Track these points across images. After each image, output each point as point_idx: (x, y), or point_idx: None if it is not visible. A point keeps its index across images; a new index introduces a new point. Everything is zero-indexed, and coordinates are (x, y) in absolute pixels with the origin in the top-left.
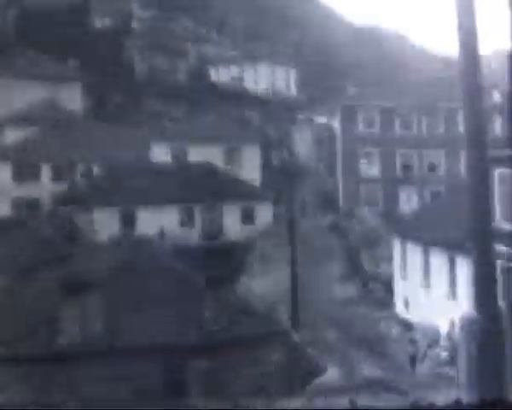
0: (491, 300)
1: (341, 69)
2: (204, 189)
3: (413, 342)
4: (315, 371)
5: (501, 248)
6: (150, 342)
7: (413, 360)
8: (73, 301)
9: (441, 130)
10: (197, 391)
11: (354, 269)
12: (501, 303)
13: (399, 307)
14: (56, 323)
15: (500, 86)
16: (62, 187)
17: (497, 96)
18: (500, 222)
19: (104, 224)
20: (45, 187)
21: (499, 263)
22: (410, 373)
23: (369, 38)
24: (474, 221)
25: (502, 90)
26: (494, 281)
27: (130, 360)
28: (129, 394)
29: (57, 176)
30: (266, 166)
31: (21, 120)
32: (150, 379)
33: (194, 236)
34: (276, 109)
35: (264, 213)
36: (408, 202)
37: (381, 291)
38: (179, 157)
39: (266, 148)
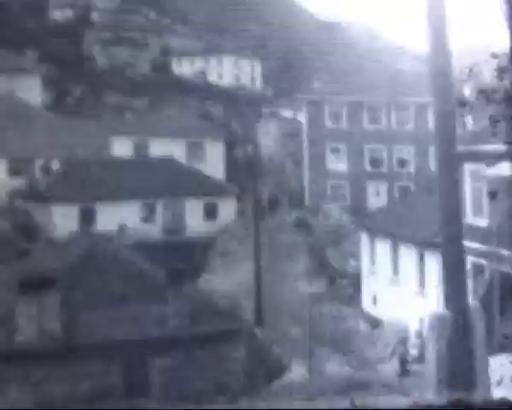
0: (460, 296)
1: (308, 63)
2: (166, 184)
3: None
4: (279, 368)
5: (471, 244)
6: (110, 339)
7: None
8: (31, 298)
9: (411, 125)
10: (159, 388)
11: (321, 265)
12: (471, 301)
13: (367, 304)
14: (13, 320)
15: (470, 82)
16: (20, 182)
17: (467, 92)
18: (471, 218)
19: (63, 220)
20: (2, 182)
21: (469, 259)
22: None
23: (336, 33)
24: (443, 218)
25: (472, 85)
26: (464, 278)
27: (90, 357)
28: (88, 392)
29: (15, 171)
30: (230, 161)
31: None
32: (110, 377)
33: (155, 231)
34: (241, 103)
35: (228, 209)
36: (376, 197)
37: (348, 288)
38: (141, 151)
39: (230, 142)
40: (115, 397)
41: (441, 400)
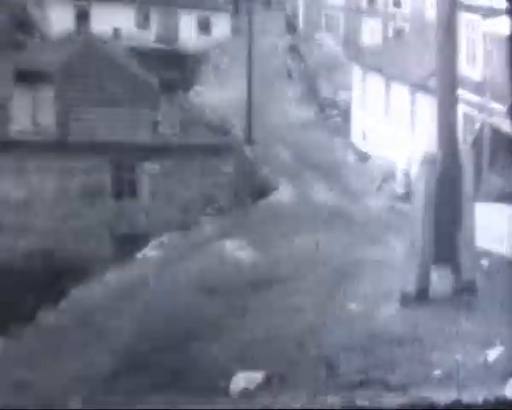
0: (451, 139)
1: None
2: None
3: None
4: (266, 187)
5: (463, 94)
6: (101, 138)
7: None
8: (26, 89)
9: None
10: (146, 192)
11: (311, 93)
12: (462, 145)
13: (356, 138)
14: (8, 111)
15: None
16: None
17: None
18: (464, 69)
19: (59, 17)
20: None
21: (461, 109)
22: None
23: None
24: (439, 64)
25: None
26: (455, 122)
27: (81, 154)
28: (78, 187)
29: None
30: None
31: None
32: (99, 176)
33: (149, 39)
34: None
35: (222, 25)
36: (371, 34)
37: (338, 118)
38: None
39: None
40: (104, 196)
41: (428, 236)
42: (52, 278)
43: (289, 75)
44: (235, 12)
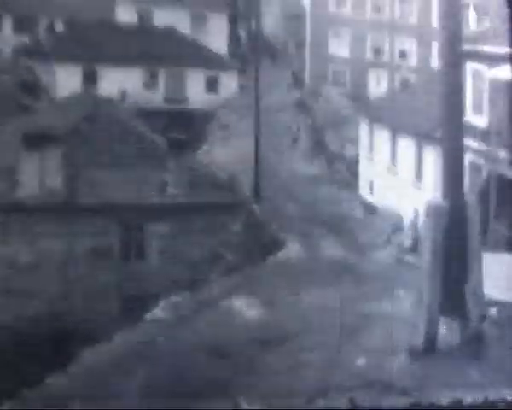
0: (457, 190)
1: None
2: (168, 53)
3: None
4: (274, 244)
5: (469, 143)
6: (109, 200)
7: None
8: (33, 154)
9: (414, 18)
10: (154, 253)
11: (319, 148)
12: (468, 195)
13: (364, 191)
14: (16, 175)
15: None
16: (24, 39)
17: None
18: (470, 117)
19: (66, 80)
20: (7, 38)
21: (467, 158)
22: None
23: None
24: (445, 114)
25: None
26: (461, 172)
27: (88, 217)
28: (86, 250)
29: (19, 28)
30: (233, 36)
31: None
32: (107, 237)
33: (156, 99)
34: None
35: (229, 83)
36: (377, 86)
37: (345, 172)
38: (144, 19)
39: (234, 18)
40: (112, 258)
41: (435, 286)
42: (60, 341)
43: (294, 140)
44: (243, 69)
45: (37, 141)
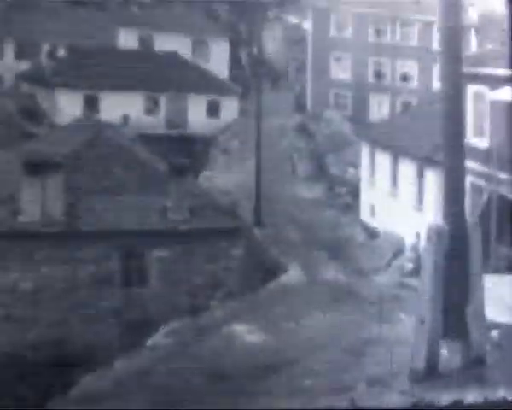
0: (458, 213)
1: None
2: (170, 78)
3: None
4: (275, 268)
5: (470, 165)
6: (110, 226)
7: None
8: (34, 180)
9: (415, 41)
10: (156, 279)
11: (320, 171)
12: (469, 218)
13: (365, 214)
14: (16, 201)
15: (477, 4)
16: (26, 66)
17: (474, 14)
18: (471, 139)
19: (67, 106)
20: (9, 65)
21: (468, 180)
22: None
23: None
24: (446, 135)
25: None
26: (463, 195)
27: (89, 243)
28: (87, 277)
29: (21, 54)
30: (235, 61)
31: None
32: (108, 264)
33: (158, 125)
34: (247, 5)
35: (231, 108)
36: (378, 110)
37: (347, 196)
38: (146, 45)
39: (235, 43)
40: (113, 284)
41: (436, 309)
42: (61, 367)
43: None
44: (244, 94)
45: (38, 167)
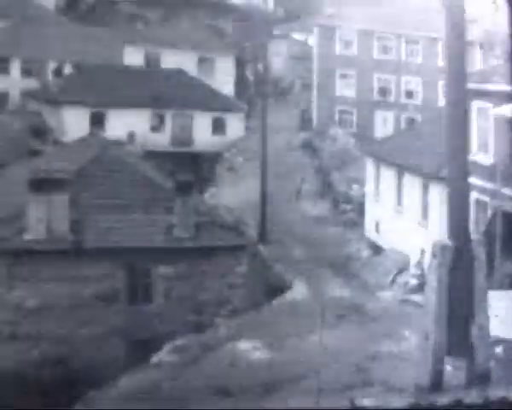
0: (463, 229)
1: None
2: (176, 95)
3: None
4: (280, 285)
5: (475, 181)
6: (116, 244)
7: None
8: (41, 198)
9: (420, 58)
10: (161, 296)
11: (325, 188)
12: (474, 234)
13: (370, 230)
14: (22, 219)
15: (482, 20)
16: (32, 83)
17: (478, 30)
18: (476, 155)
19: (74, 123)
20: (15, 82)
21: (472, 196)
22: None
23: None
24: (450, 152)
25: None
26: (467, 211)
27: (95, 261)
28: (93, 295)
29: (27, 72)
30: (240, 78)
31: None
32: (113, 281)
33: (164, 141)
34: (252, 22)
35: (236, 125)
36: (383, 126)
37: (352, 212)
38: (152, 62)
39: (241, 60)
40: (118, 302)
41: (441, 325)
42: (65, 385)
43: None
44: (250, 111)
45: (44, 185)
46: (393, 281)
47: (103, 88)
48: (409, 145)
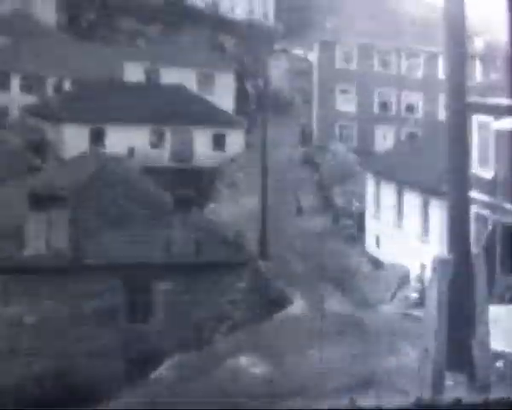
0: (463, 243)
1: (321, 2)
2: (175, 111)
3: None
4: (280, 300)
5: (476, 195)
6: (115, 260)
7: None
8: (40, 214)
9: (420, 72)
10: (161, 313)
11: (325, 203)
12: (474, 248)
13: (370, 245)
14: (22, 235)
15: (483, 33)
16: (32, 99)
17: (479, 44)
18: (476, 169)
19: (73, 139)
20: (14, 98)
21: (473, 210)
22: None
23: None
24: (450, 167)
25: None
26: (467, 226)
27: (94, 277)
28: (91, 310)
29: (27, 88)
30: (240, 93)
31: None
32: (113, 297)
33: (163, 157)
34: (253, 38)
35: (236, 141)
36: (383, 141)
37: (352, 228)
38: (152, 78)
39: (241, 75)
40: (118, 318)
41: (441, 339)
42: (65, 401)
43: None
44: (250, 126)
45: (43, 201)
46: (394, 295)
47: (103, 104)
48: (409, 160)
